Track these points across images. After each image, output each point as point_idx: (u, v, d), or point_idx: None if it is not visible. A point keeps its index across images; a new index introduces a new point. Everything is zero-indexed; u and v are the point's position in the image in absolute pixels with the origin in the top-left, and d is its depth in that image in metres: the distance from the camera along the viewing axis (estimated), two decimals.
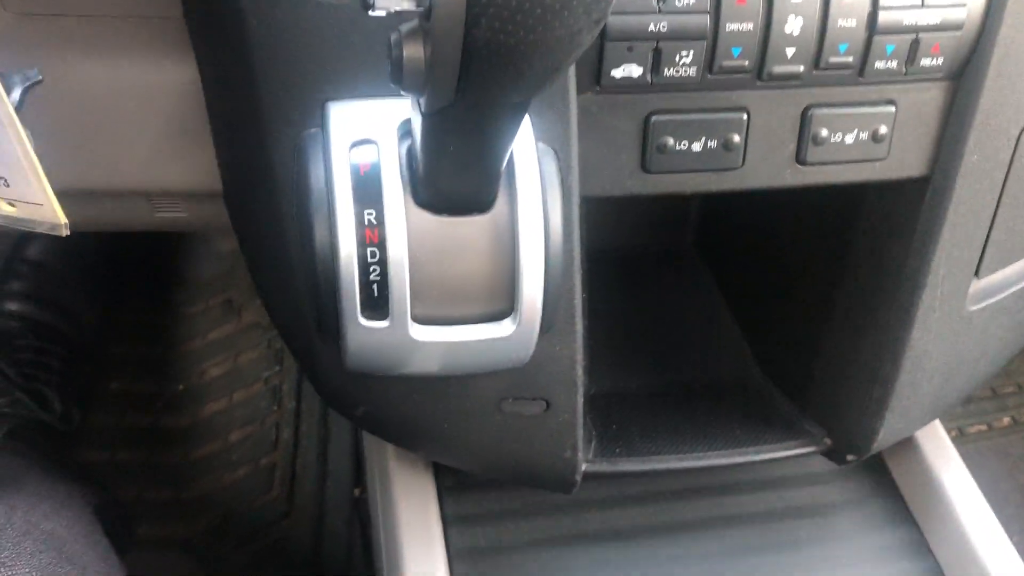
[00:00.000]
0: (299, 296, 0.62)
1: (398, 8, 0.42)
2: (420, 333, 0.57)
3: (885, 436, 0.72)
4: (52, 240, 1.28)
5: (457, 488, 0.75)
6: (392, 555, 0.72)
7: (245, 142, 0.62)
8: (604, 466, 0.72)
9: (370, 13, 0.43)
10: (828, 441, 0.77)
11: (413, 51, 0.43)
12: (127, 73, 0.65)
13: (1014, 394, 1.57)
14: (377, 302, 0.55)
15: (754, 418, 0.80)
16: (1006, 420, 1.53)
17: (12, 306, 1.28)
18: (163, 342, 1.53)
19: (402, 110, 0.56)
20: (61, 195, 0.52)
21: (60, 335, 1.30)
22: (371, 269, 0.54)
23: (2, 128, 0.44)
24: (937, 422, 0.83)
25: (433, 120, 0.46)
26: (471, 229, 0.55)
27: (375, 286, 0.55)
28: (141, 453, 1.42)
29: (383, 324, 0.56)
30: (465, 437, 0.68)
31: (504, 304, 0.57)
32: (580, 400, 0.66)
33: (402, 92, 0.47)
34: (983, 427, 1.51)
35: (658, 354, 0.88)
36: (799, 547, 0.76)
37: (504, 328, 0.57)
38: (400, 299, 0.55)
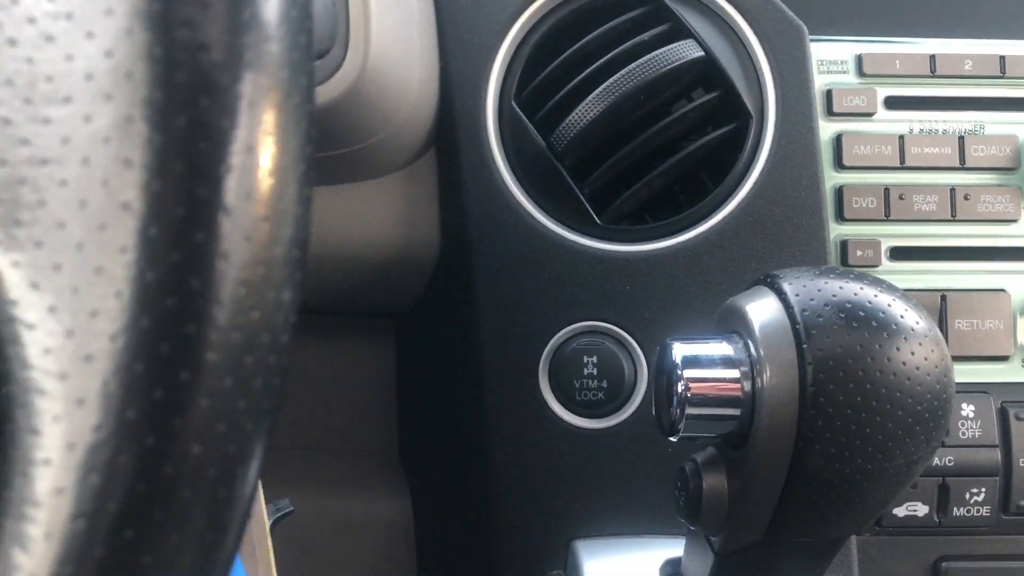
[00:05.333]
0: None
1: (706, 435, 0.39)
2: None
3: None
4: None
5: None
6: None
7: None
8: None
9: (671, 439, 0.39)
10: None
11: (715, 482, 0.39)
12: (342, 505, 0.63)
13: None
14: None
15: None
16: None
17: None
18: None
19: (652, 549, 0.50)
20: None
21: None
22: None
23: (254, 564, 0.40)
24: None
25: (729, 561, 0.40)
26: None
27: None
28: None
29: None
30: None
31: None
32: None
33: (692, 528, 0.42)
34: None
35: None
36: None
37: None
38: None
